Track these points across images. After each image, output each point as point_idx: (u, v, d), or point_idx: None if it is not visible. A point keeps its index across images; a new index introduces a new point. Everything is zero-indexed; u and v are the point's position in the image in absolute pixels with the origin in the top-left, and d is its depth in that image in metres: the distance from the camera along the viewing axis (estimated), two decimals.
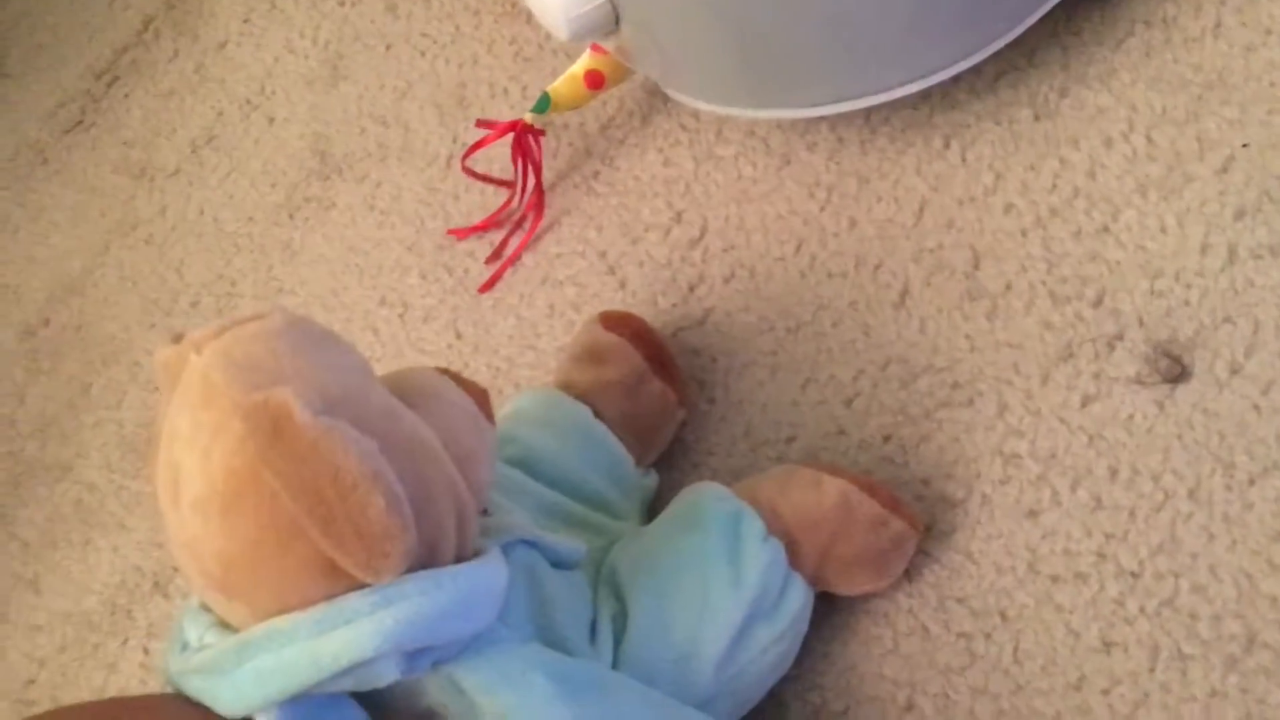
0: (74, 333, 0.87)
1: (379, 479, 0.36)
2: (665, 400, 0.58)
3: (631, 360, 0.58)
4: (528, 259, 0.72)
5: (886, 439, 0.56)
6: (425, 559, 0.39)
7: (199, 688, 0.40)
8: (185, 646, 0.41)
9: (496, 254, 0.73)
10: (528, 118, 0.69)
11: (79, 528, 0.76)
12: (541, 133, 0.71)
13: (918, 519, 0.51)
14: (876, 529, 0.49)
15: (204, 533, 0.38)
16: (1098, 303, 0.55)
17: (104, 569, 0.73)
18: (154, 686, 0.67)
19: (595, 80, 0.69)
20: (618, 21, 0.61)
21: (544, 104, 0.69)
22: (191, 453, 0.38)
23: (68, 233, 0.93)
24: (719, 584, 0.47)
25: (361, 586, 0.38)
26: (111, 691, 0.68)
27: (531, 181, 0.72)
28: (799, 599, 0.48)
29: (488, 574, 0.41)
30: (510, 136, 0.71)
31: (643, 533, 0.51)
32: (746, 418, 0.60)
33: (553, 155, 0.75)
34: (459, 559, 0.41)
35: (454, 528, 0.40)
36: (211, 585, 0.39)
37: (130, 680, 0.68)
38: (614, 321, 0.61)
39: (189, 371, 0.39)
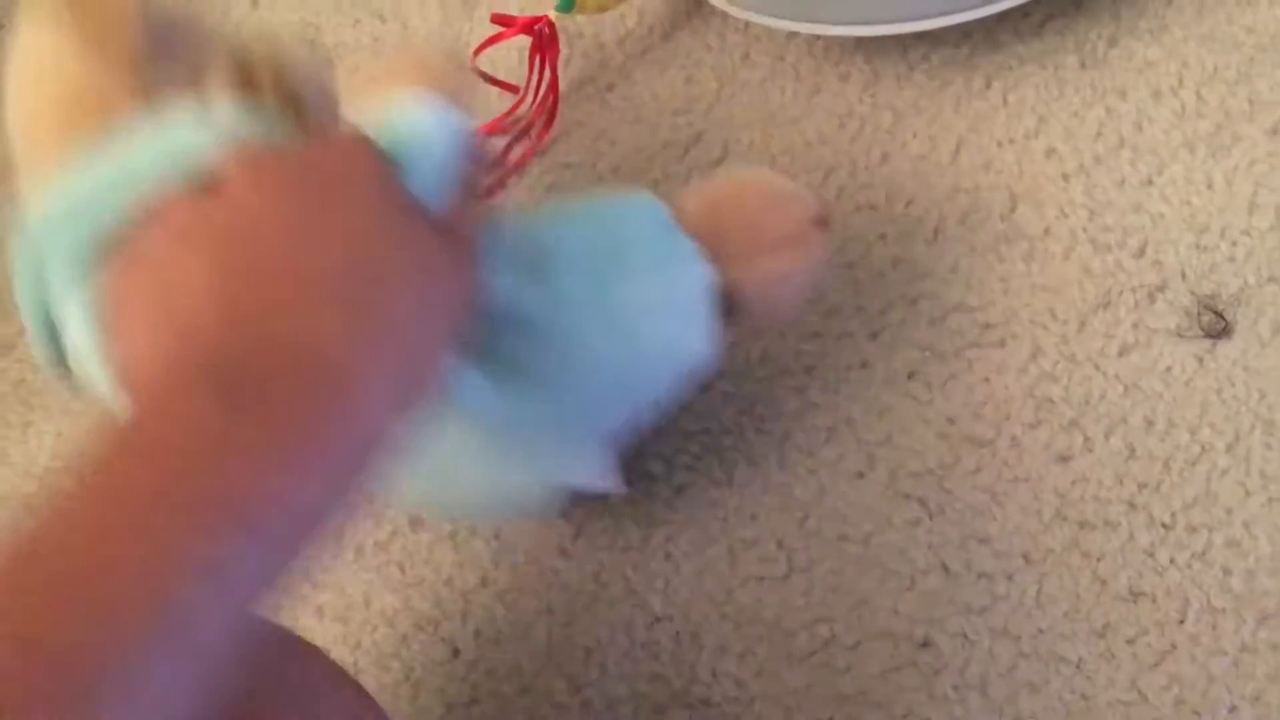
0: None
1: None
2: None
3: None
4: (533, 168, 0.68)
5: (912, 375, 0.54)
6: None
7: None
8: None
9: (499, 160, 0.69)
10: (551, 16, 0.66)
11: (18, 409, 0.71)
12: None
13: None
14: (777, 189, 0.50)
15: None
16: (1140, 253, 0.54)
17: (46, 454, 0.68)
18: None
19: None
20: None
21: (569, 2, 0.65)
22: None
23: None
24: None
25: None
26: None
27: (546, 86, 0.68)
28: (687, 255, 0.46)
29: None
30: (525, 37, 0.67)
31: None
32: (763, 344, 0.58)
33: (565, 65, 0.71)
34: None
35: None
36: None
37: None
38: None
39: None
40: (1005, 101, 0.61)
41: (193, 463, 0.27)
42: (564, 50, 0.71)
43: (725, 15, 0.66)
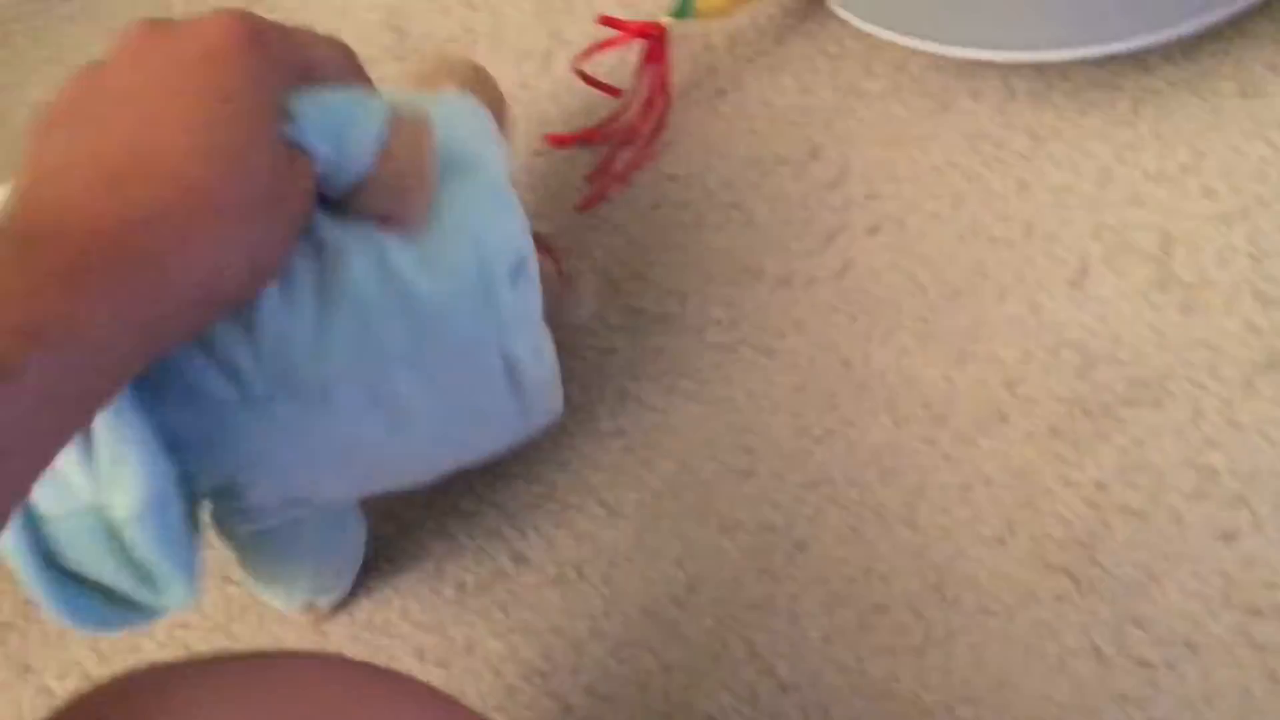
0: None
1: None
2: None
3: None
4: (637, 179, 0.65)
5: (1055, 432, 0.51)
6: None
7: None
8: None
9: (602, 169, 0.66)
10: (665, 22, 0.62)
11: None
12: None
13: None
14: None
15: None
16: None
17: None
18: None
19: None
20: None
21: (686, 8, 0.61)
22: None
23: None
24: None
25: None
26: None
27: (655, 92, 0.64)
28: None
29: None
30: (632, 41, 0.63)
31: None
32: (889, 389, 0.54)
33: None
34: None
35: None
36: None
37: None
38: None
39: None
40: (1156, 131, 0.56)
41: None
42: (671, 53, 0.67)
43: (844, 20, 0.62)
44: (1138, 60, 0.58)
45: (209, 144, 0.35)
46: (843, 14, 0.61)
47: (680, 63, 0.67)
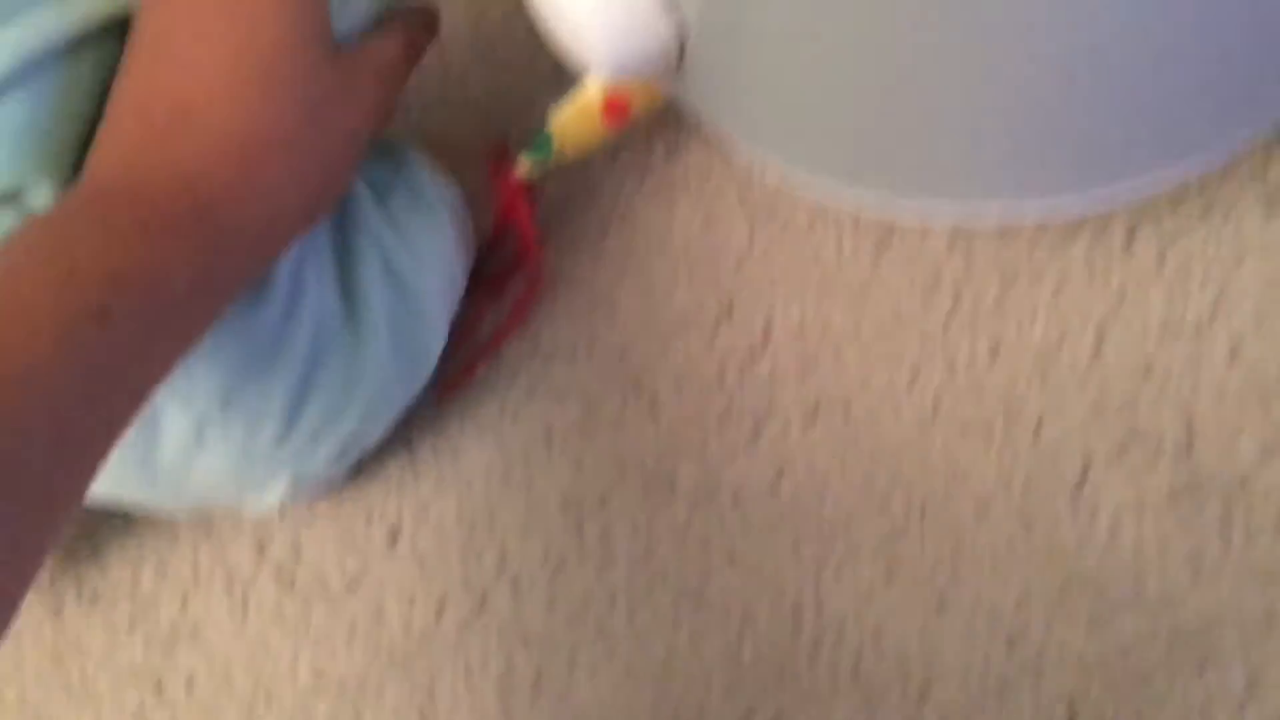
0: None
1: None
2: None
3: None
4: (509, 354, 0.51)
5: (1074, 714, 0.39)
6: None
7: None
8: None
9: (464, 340, 0.52)
10: (523, 165, 0.48)
11: None
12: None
13: None
14: None
15: None
16: None
17: None
18: None
19: (618, 112, 0.47)
20: (682, 56, 0.40)
21: (545, 146, 0.47)
22: None
23: None
24: None
25: None
26: None
27: (521, 251, 0.50)
28: None
29: None
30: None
31: None
32: (853, 647, 0.42)
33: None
34: None
35: None
36: None
37: None
38: None
39: None
40: (1161, 264, 0.44)
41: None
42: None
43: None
44: None
45: (240, 85, 0.34)
46: (754, 154, 0.47)
47: (550, 186, 0.53)
